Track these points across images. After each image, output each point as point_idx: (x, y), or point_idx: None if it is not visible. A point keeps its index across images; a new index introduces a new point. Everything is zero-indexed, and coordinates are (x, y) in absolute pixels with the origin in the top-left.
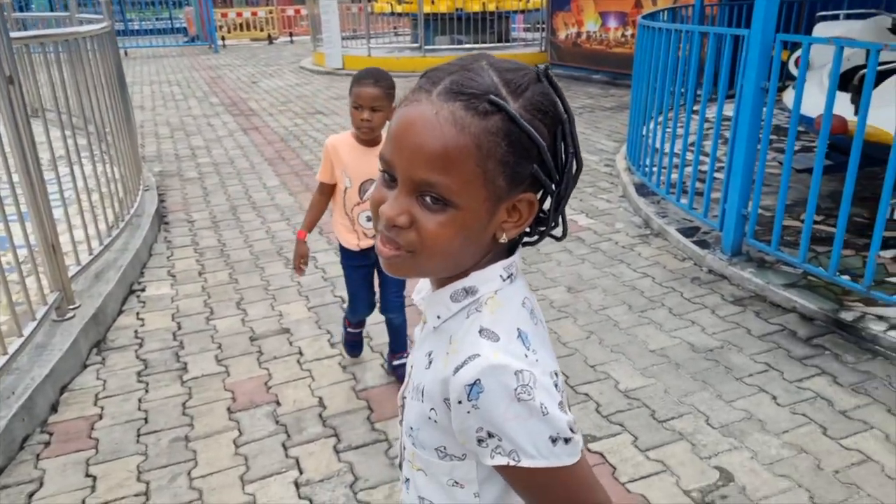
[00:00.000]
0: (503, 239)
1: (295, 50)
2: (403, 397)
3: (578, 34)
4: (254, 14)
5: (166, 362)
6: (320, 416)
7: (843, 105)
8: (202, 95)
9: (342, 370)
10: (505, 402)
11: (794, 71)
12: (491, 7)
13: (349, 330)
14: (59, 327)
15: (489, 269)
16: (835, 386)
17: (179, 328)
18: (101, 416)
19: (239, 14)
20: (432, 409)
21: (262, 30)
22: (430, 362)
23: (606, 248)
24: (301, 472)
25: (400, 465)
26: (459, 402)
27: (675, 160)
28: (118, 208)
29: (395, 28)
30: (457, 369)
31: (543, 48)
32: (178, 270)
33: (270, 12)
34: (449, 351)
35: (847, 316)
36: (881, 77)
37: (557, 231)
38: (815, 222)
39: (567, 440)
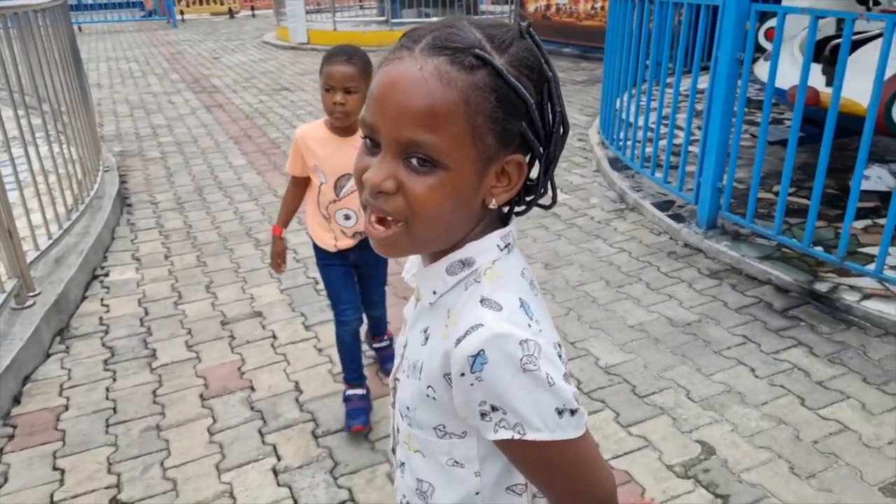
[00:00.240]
0: (493, 205)
1: (257, 24)
2: (396, 378)
3: (548, 7)
4: None
5: (134, 349)
6: (297, 400)
7: (814, 76)
8: (162, 72)
9: (318, 353)
10: (510, 373)
11: (763, 43)
12: None
13: (349, 393)
14: (19, 316)
15: (485, 239)
16: (811, 357)
17: (146, 314)
18: (66, 407)
19: None
20: (430, 386)
21: (222, 3)
22: (427, 338)
23: (582, 223)
24: (279, 459)
25: (393, 450)
26: (462, 375)
27: (650, 134)
28: (77, 190)
29: (360, 1)
30: (458, 341)
31: (513, 21)
32: (142, 254)
33: None
34: (448, 324)
35: (821, 287)
36: (852, 48)
37: (546, 200)
38: (788, 194)
39: (573, 412)
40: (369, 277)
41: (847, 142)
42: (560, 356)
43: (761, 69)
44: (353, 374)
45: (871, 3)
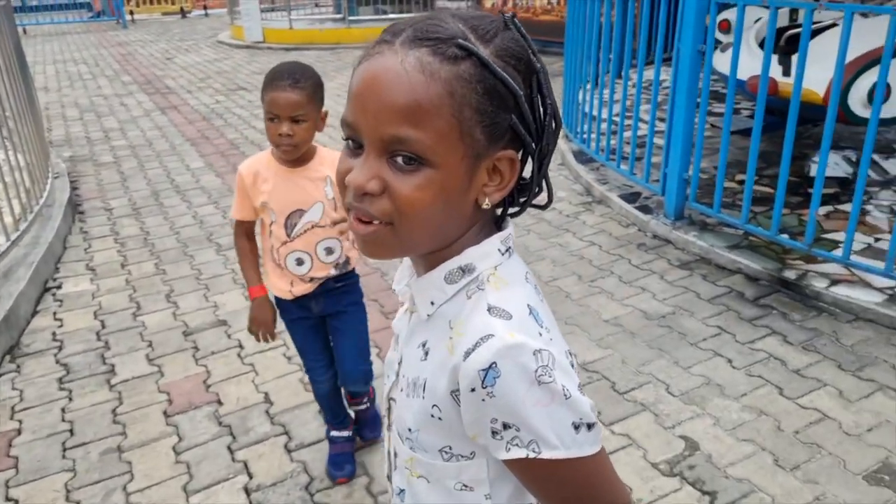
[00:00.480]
0: (486, 204)
1: (211, 24)
2: (392, 399)
3: (505, 2)
4: None
5: (91, 366)
6: (267, 413)
7: (771, 66)
8: (112, 74)
9: (287, 361)
10: (524, 387)
11: (717, 35)
12: None
13: (334, 435)
14: None
15: (485, 244)
16: (786, 345)
17: (103, 327)
18: (19, 432)
19: None
20: (435, 405)
21: (174, 3)
22: (427, 353)
23: (551, 217)
24: (251, 477)
25: (389, 477)
26: (472, 390)
27: (614, 126)
28: (25, 199)
29: None
30: (467, 353)
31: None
32: (97, 263)
33: None
34: (452, 336)
35: (790, 274)
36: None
37: (542, 199)
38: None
39: (590, 426)
40: (340, 328)
41: (801, 130)
42: (573, 365)
43: (718, 60)
44: (336, 418)
45: None
